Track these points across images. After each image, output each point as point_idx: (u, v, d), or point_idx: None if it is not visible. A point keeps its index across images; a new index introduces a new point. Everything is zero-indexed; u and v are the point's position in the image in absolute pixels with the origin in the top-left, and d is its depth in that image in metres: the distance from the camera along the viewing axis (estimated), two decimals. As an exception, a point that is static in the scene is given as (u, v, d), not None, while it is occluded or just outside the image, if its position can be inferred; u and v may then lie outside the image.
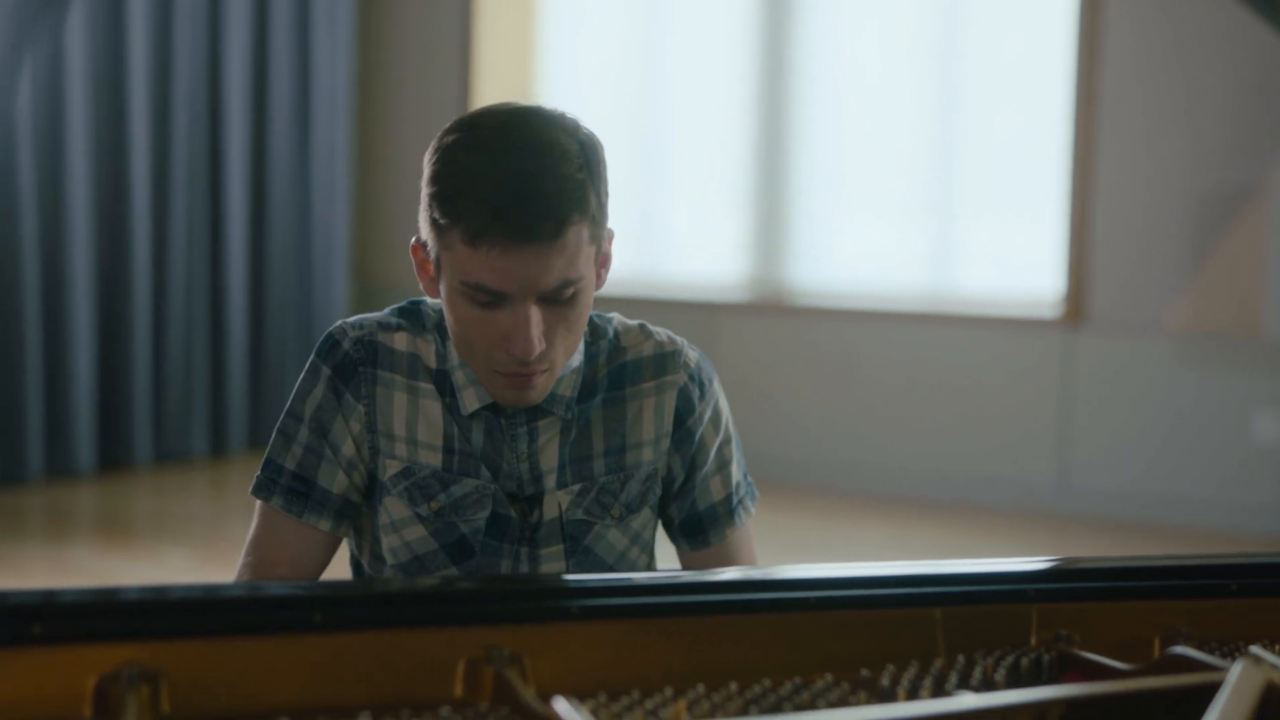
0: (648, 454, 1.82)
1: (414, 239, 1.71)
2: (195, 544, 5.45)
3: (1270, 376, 6.04)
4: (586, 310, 1.69)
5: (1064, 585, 1.51)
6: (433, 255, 1.66)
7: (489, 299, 1.61)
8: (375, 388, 1.75)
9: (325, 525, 1.76)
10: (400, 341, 1.77)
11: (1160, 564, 1.56)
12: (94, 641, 1.22)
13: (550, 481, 1.77)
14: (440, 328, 1.79)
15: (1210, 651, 1.44)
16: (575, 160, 1.61)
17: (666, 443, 1.83)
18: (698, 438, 1.84)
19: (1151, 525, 6.06)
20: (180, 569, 5.04)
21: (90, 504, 6.11)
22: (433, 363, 1.77)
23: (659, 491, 1.84)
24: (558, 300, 1.63)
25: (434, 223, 1.63)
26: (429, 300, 1.82)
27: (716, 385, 1.88)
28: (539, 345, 1.63)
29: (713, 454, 1.86)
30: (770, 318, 6.87)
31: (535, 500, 1.77)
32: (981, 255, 6.74)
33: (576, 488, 1.78)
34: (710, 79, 7.26)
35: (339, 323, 1.80)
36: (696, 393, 1.84)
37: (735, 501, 1.88)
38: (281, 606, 1.31)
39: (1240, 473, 6.08)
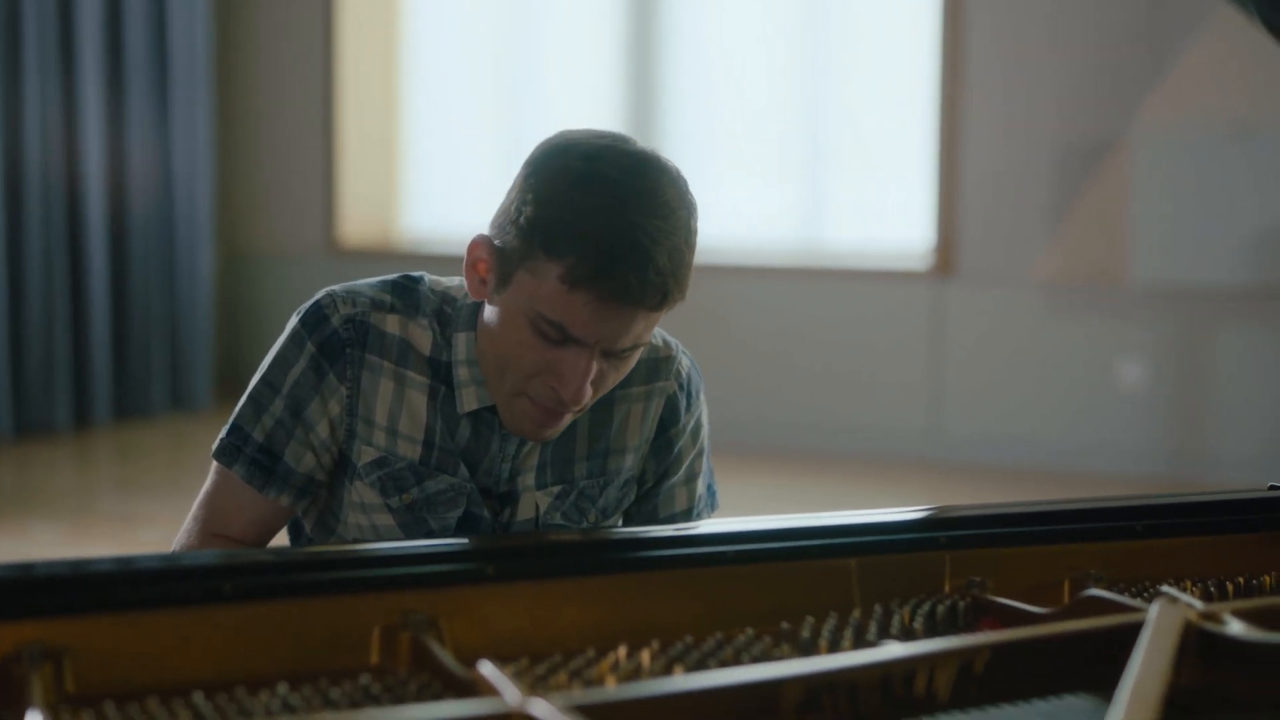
0: (629, 460, 1.79)
1: (480, 236, 1.61)
2: (61, 518, 5.31)
3: (1134, 324, 6.18)
4: (634, 363, 1.65)
5: (975, 532, 1.52)
6: (504, 268, 1.58)
7: (558, 338, 1.55)
8: (361, 371, 1.68)
9: (285, 500, 1.70)
10: (392, 325, 1.70)
11: (1068, 508, 1.58)
12: (-9, 621, 1.17)
13: (529, 480, 1.73)
14: (439, 314, 1.71)
15: (1120, 592, 1.45)
16: (684, 230, 1.55)
17: (646, 449, 1.80)
18: (676, 449, 1.82)
19: (1021, 470, 6.19)
20: (46, 543, 4.91)
21: (-50, 480, 5.93)
22: (426, 350, 1.70)
23: (633, 497, 1.82)
24: (618, 355, 1.59)
25: (526, 242, 1.54)
26: (426, 279, 1.75)
27: (702, 397, 1.86)
28: (588, 394, 1.59)
29: (685, 466, 1.84)
30: (643, 275, 6.85)
31: (509, 498, 1.73)
32: (851, 210, 6.79)
33: (556, 489, 1.74)
34: (579, 37, 7.21)
35: (327, 292, 1.71)
36: (684, 403, 1.81)
37: (695, 514, 1.86)
38: (189, 577, 1.26)
39: (1106, 417, 6.22)
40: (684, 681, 1.12)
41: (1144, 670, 1.08)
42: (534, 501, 1.74)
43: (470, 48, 7.44)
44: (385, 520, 1.71)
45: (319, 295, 1.71)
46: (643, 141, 1.60)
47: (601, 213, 1.51)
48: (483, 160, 7.40)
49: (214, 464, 1.73)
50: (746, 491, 5.85)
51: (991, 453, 6.34)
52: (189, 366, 7.31)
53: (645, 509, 1.83)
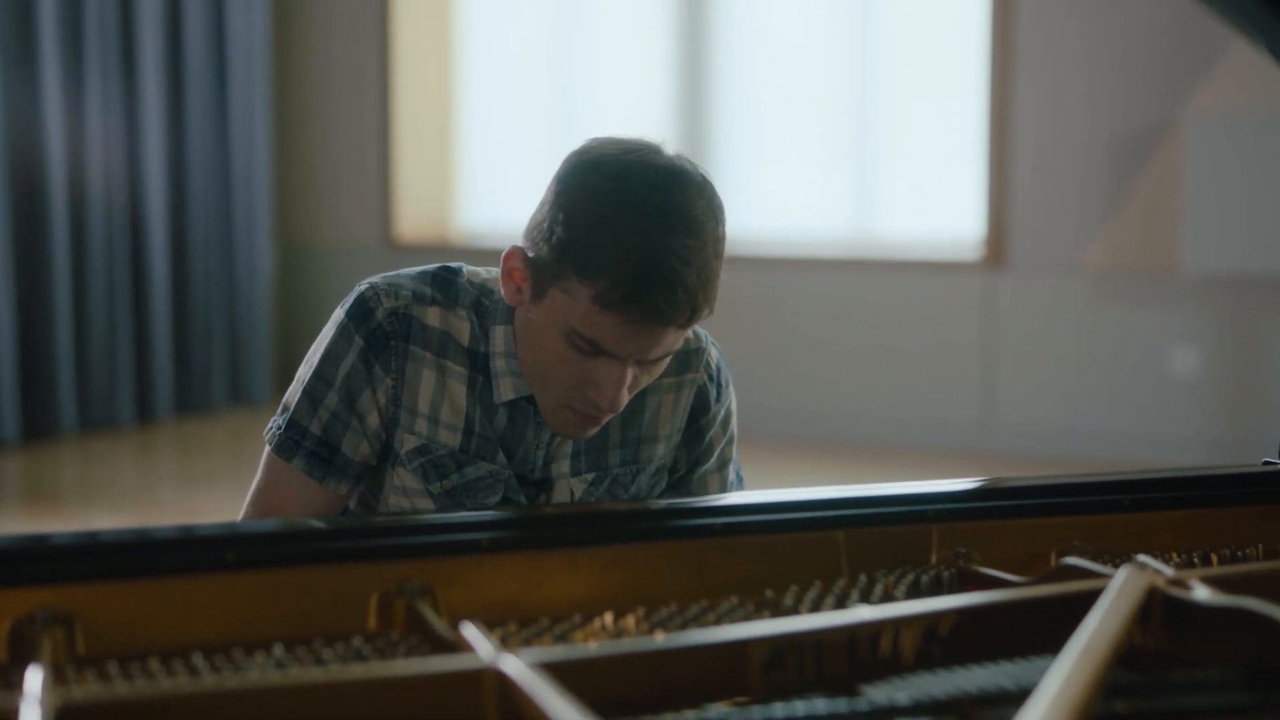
0: (661, 449, 1.84)
1: (514, 248, 1.66)
2: (124, 511, 5.42)
3: (1186, 312, 6.14)
4: (665, 365, 1.70)
5: (963, 505, 1.55)
6: (539, 282, 1.63)
7: (591, 351, 1.61)
8: (405, 363, 1.74)
9: (343, 489, 1.77)
10: (433, 317, 1.75)
11: (1055, 482, 1.61)
12: (5, 587, 1.24)
13: (564, 467, 1.79)
14: (477, 306, 1.76)
15: (1104, 563, 1.48)
16: (713, 243, 1.60)
17: (678, 438, 1.86)
18: (708, 438, 1.87)
19: (1074, 460, 6.16)
20: (110, 535, 5.01)
21: (16, 473, 6.06)
22: (464, 341, 1.76)
23: (664, 484, 1.87)
24: (651, 361, 1.65)
25: (558, 262, 1.59)
26: (464, 271, 1.80)
27: (731, 387, 1.91)
28: (625, 400, 1.65)
29: (716, 453, 1.89)
30: (695, 268, 6.87)
31: (544, 484, 1.79)
32: (902, 200, 6.80)
33: (590, 476, 1.80)
34: (631, 31, 7.25)
35: (369, 284, 1.76)
36: (714, 393, 1.87)
37: None
38: (194, 547, 1.32)
39: (1158, 406, 6.19)
40: (654, 642, 1.16)
41: (1097, 629, 1.11)
42: (568, 488, 1.79)
43: (524, 42, 7.50)
44: (425, 505, 1.77)
45: (361, 288, 1.76)
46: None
47: (631, 236, 1.55)
48: (538, 154, 7.45)
49: (266, 458, 1.78)
50: (795, 481, 5.87)
51: (1043, 443, 6.33)
52: (248, 361, 7.43)
53: (681, 496, 1.89)
